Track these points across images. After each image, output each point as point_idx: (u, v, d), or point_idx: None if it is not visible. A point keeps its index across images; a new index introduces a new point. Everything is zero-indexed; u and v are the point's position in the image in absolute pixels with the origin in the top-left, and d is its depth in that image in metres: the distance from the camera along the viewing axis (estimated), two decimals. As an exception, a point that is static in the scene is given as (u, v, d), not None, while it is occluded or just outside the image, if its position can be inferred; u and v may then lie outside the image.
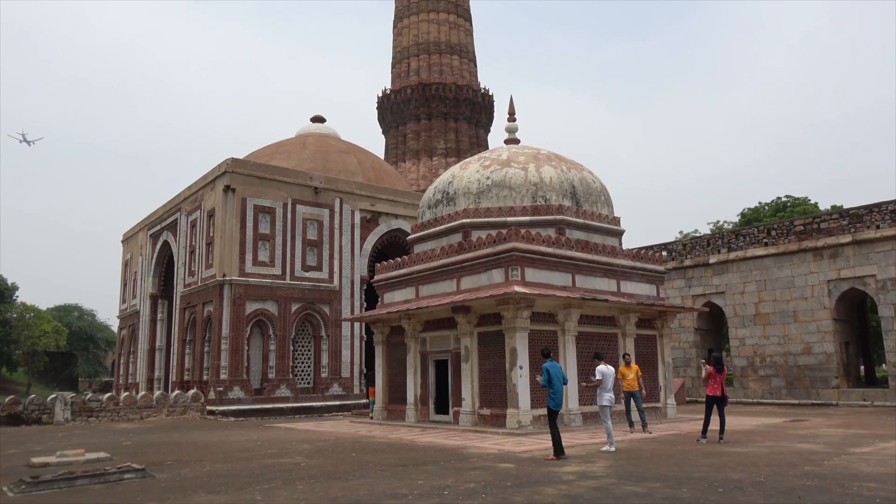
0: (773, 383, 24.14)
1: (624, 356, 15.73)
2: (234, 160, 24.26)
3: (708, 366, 12.31)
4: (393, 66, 45.75)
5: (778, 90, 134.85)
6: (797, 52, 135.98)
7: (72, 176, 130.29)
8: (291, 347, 24.30)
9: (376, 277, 20.20)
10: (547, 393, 10.65)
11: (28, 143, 56.23)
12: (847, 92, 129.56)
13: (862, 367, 26.30)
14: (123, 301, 34.89)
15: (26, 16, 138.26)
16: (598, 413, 16.37)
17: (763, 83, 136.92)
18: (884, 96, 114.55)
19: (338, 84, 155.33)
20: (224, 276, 23.14)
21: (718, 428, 12.23)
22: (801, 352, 23.44)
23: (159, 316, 30.13)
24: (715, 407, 12.28)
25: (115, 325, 48.73)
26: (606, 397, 11.35)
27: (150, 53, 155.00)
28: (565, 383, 10.78)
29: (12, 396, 21.67)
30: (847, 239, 22.53)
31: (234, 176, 23.86)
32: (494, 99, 45.42)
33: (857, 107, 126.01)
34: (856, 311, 25.06)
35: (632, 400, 14.88)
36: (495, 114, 46.06)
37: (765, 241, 24.99)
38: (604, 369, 11.59)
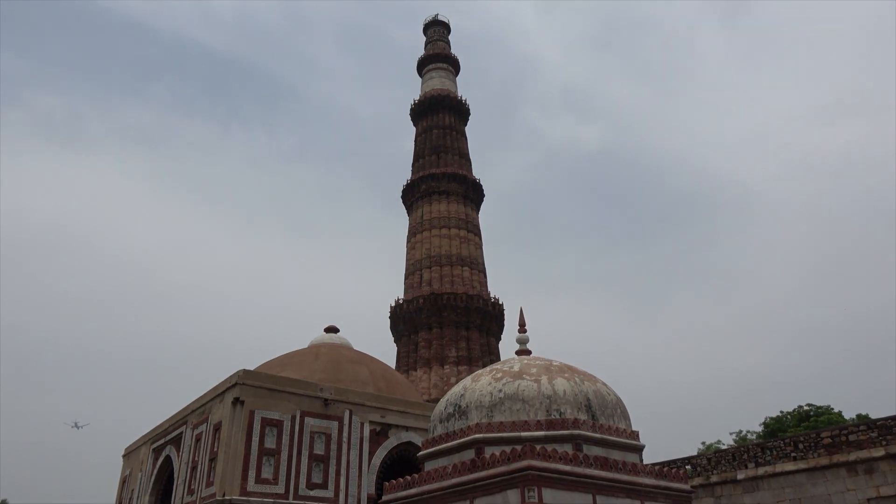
0: None
1: (656, 592, 14.23)
2: (245, 372, 24.20)
3: None
4: (406, 278, 47.55)
5: (785, 294, 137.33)
6: (804, 256, 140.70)
7: (75, 389, 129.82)
8: (290, 578, 22.22)
9: (384, 498, 19.06)
10: None
11: (78, 427, 69.25)
12: (852, 296, 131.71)
13: None
14: (115, 522, 32.80)
15: (29, 222, 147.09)
16: None
17: (770, 286, 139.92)
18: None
19: (352, 294, 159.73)
20: (224, 495, 21.89)
21: None
22: (853, 583, 21.16)
23: (151, 540, 28.10)
24: None
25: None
26: None
27: (164, 262, 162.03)
28: None
29: None
30: (880, 453, 21.41)
31: (244, 388, 23.63)
32: (504, 307, 46.45)
33: (869, 311, 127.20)
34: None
35: None
36: (506, 321, 46.84)
37: (793, 454, 23.78)
38: None
